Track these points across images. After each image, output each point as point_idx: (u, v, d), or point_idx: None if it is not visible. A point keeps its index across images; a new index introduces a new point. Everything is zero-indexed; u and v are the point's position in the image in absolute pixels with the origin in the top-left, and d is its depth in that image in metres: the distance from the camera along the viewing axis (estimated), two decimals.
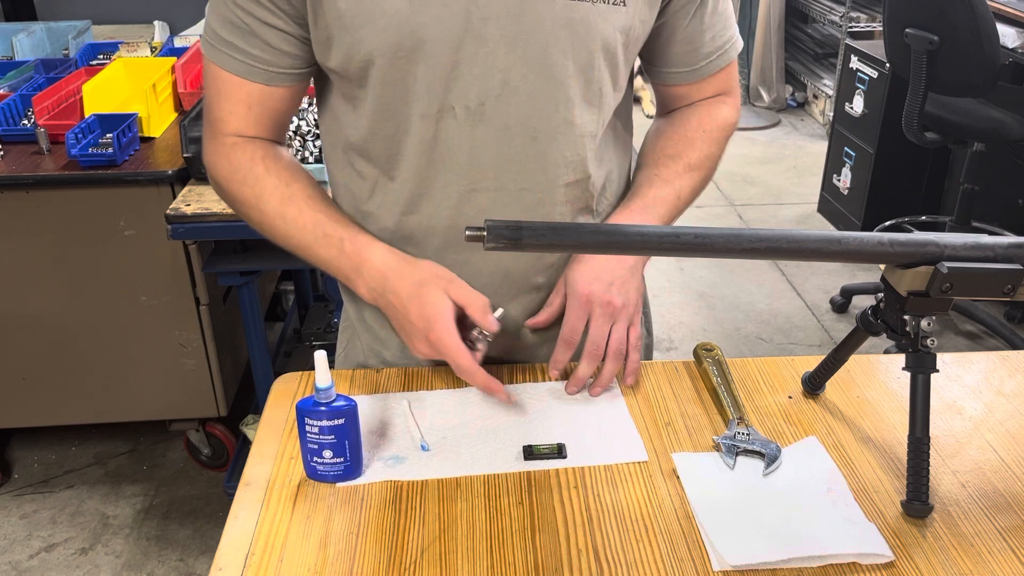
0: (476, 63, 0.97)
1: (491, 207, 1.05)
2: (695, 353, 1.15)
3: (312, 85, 1.14)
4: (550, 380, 1.11)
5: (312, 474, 0.96)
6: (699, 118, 1.16)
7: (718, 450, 1.00)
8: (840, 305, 3.30)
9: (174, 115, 2.30)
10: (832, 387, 1.11)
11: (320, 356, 0.91)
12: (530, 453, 0.99)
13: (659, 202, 1.11)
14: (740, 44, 1.15)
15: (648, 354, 1.34)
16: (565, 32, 0.97)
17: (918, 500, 0.90)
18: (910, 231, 0.90)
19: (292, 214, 1.06)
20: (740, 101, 1.21)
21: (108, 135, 2.07)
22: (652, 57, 1.14)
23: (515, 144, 1.02)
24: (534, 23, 0.96)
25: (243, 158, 1.07)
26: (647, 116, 5.10)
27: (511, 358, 1.18)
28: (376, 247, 1.06)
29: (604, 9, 0.98)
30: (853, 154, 3.73)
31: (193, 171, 1.97)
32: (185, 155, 1.95)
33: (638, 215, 1.10)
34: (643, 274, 1.13)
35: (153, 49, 2.66)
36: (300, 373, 1.14)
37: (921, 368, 0.91)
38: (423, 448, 1.00)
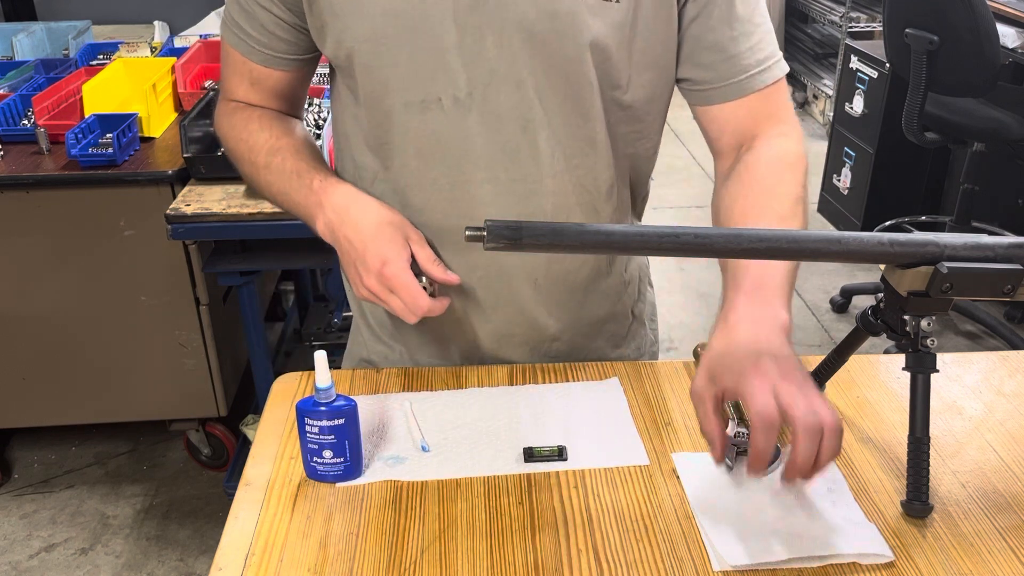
0: (463, 52, 0.98)
1: (484, 198, 1.05)
2: (695, 353, 1.15)
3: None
4: (551, 383, 1.11)
5: (312, 474, 0.96)
6: (767, 163, 1.04)
7: None
8: (840, 305, 3.30)
9: (174, 115, 2.30)
10: (832, 387, 1.11)
11: (320, 356, 0.91)
12: (530, 455, 0.99)
13: (771, 273, 0.95)
14: (786, 67, 1.07)
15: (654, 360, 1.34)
16: (550, 23, 0.97)
17: (918, 500, 0.90)
18: (910, 231, 0.90)
19: (276, 162, 1.09)
20: (800, 133, 1.08)
21: (108, 135, 2.07)
22: (689, 74, 1.07)
23: (505, 134, 1.02)
24: (520, 13, 0.97)
25: (242, 116, 1.13)
26: None
27: (503, 358, 1.18)
28: (344, 185, 1.06)
29: (593, 4, 0.97)
30: (853, 154, 3.73)
31: (193, 171, 1.97)
32: (185, 155, 1.95)
33: (757, 302, 0.94)
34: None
35: (153, 49, 2.66)
36: (300, 373, 1.14)
37: (921, 368, 0.91)
38: (423, 449, 1.00)
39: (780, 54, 1.07)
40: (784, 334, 0.91)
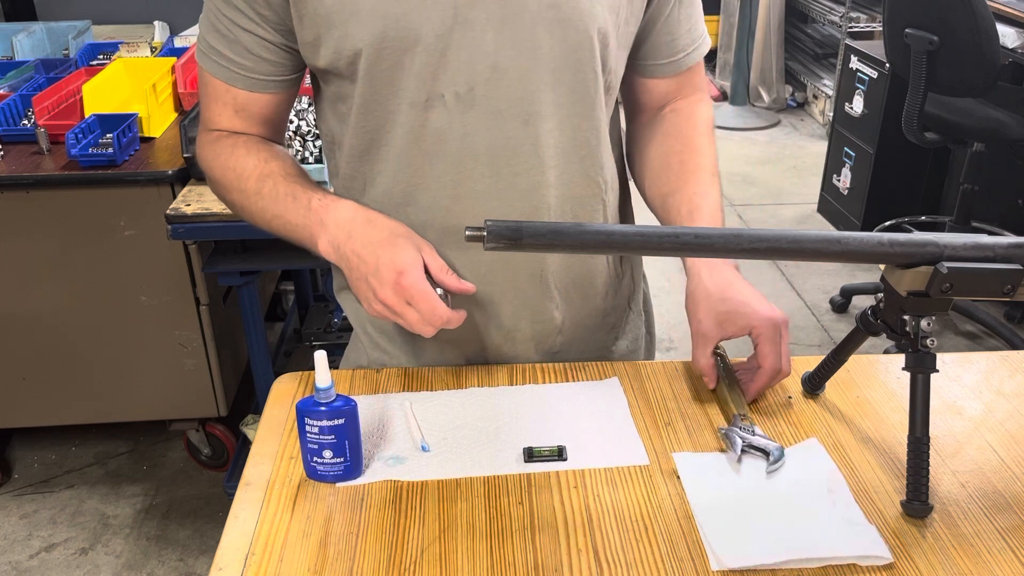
0: (464, 48, 0.98)
1: (486, 194, 1.05)
2: None
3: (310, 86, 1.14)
4: (551, 383, 1.11)
5: (312, 474, 0.96)
6: (691, 123, 1.18)
7: (723, 441, 1.00)
8: (840, 305, 3.30)
9: (174, 115, 2.30)
10: (832, 387, 1.11)
11: (320, 356, 0.91)
12: (531, 455, 0.99)
13: (716, 218, 1.12)
14: (709, 41, 1.19)
15: (650, 353, 1.34)
16: (552, 12, 0.98)
17: (918, 500, 0.90)
18: (910, 231, 0.90)
19: (268, 188, 1.06)
20: (710, 97, 1.23)
21: (108, 135, 2.07)
22: (635, 50, 1.14)
23: (507, 128, 1.02)
24: (520, 4, 0.97)
25: (226, 144, 1.10)
26: None
27: (508, 356, 1.18)
28: (344, 201, 1.04)
29: None
30: (853, 154, 3.73)
31: (193, 171, 1.97)
32: (185, 155, 1.95)
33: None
34: None
35: (153, 49, 2.66)
36: (300, 373, 1.14)
37: (921, 368, 0.91)
38: (424, 449, 1.00)
39: (704, 28, 1.18)
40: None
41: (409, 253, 0.99)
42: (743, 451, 0.98)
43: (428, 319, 0.97)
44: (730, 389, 1.07)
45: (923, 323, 0.90)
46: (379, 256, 0.99)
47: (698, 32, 1.15)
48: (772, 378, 1.06)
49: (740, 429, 1.00)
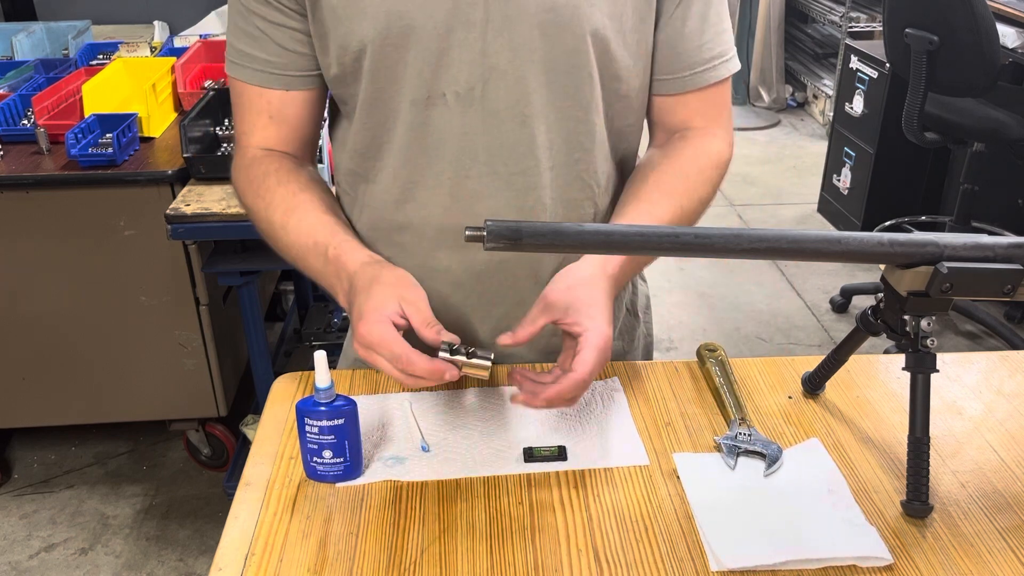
0: (465, 48, 0.99)
1: (484, 193, 1.06)
2: (698, 353, 1.15)
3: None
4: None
5: (312, 474, 0.96)
6: (694, 152, 1.10)
7: (719, 451, 1.00)
8: (840, 305, 3.30)
9: (174, 115, 2.30)
10: (832, 387, 1.11)
11: (320, 356, 0.91)
12: (531, 455, 0.99)
13: (625, 274, 1.05)
14: (736, 66, 1.11)
15: (648, 354, 1.34)
16: (550, 16, 0.98)
17: (918, 500, 0.90)
18: (910, 231, 0.90)
19: (293, 223, 1.06)
20: (732, 136, 1.14)
21: (108, 135, 2.07)
22: None
23: (505, 129, 1.03)
24: (519, 7, 0.97)
25: (259, 170, 1.09)
26: None
27: (496, 357, 1.17)
28: (355, 252, 1.02)
29: None
30: (853, 154, 3.73)
31: (193, 171, 1.97)
32: (185, 155, 1.95)
33: (611, 288, 1.02)
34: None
35: (153, 49, 2.66)
36: (300, 373, 1.14)
37: (921, 368, 0.91)
38: (424, 449, 1.00)
39: (732, 52, 1.10)
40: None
41: (375, 301, 0.94)
42: (739, 455, 0.98)
43: (394, 366, 0.91)
44: (728, 393, 1.07)
45: (923, 323, 0.90)
46: (353, 304, 0.96)
47: (714, 52, 1.07)
48: (576, 388, 0.92)
49: (738, 435, 1.00)
